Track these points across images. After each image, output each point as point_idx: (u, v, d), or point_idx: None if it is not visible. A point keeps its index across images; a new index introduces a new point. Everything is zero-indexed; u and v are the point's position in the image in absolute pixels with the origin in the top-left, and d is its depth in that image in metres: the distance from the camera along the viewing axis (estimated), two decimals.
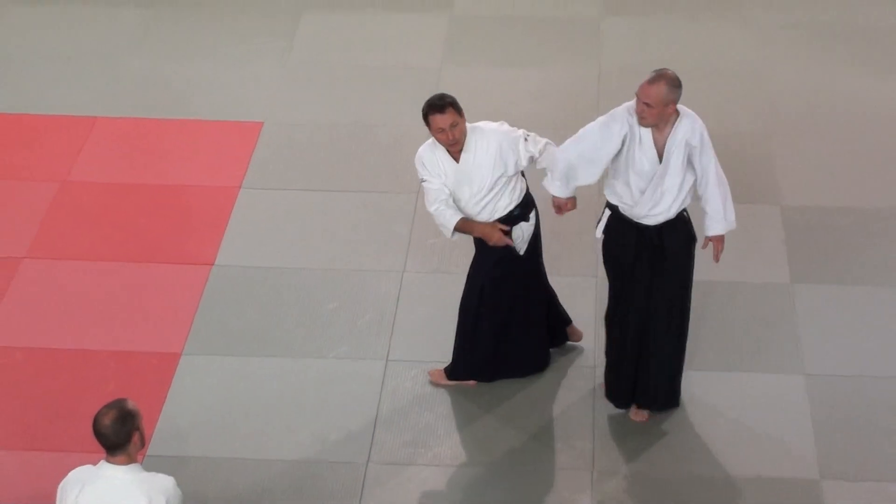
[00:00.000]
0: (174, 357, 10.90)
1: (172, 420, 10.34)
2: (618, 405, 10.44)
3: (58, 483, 8.46)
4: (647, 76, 9.79)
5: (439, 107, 9.81)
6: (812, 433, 10.26)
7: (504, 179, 10.01)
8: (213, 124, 13.53)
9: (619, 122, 9.85)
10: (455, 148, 9.94)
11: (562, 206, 10.24)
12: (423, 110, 9.87)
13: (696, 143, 9.56)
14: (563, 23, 15.17)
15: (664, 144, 9.60)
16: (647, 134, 9.68)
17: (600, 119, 10.02)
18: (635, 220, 9.84)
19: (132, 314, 11.31)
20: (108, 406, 8.28)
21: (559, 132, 13.28)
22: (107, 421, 8.22)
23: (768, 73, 14.28)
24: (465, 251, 11.83)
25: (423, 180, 10.08)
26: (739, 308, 11.27)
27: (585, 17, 15.27)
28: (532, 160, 10.09)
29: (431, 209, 10.05)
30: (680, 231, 9.83)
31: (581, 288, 11.52)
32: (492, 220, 10.07)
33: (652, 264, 9.84)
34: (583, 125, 13.30)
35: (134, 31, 14.97)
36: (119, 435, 8.20)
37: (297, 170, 12.93)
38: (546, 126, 13.39)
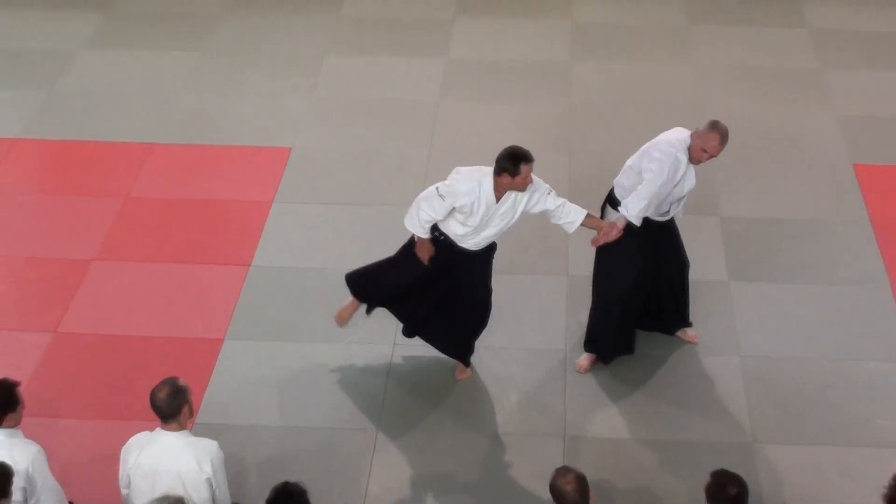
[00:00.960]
0: (218, 342, 10.88)
1: (216, 394, 10.33)
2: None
3: (122, 446, 8.49)
4: (716, 135, 9.78)
5: (530, 159, 9.54)
6: (746, 405, 10.25)
7: (511, 224, 9.84)
8: (249, 149, 13.49)
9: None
10: (505, 192, 9.64)
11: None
12: (509, 157, 9.51)
13: None
14: (540, 66, 15.14)
15: None
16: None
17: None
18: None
19: (182, 306, 11.30)
20: (163, 383, 8.29)
21: (540, 156, 13.27)
22: (161, 395, 8.22)
23: (709, 106, 14.24)
24: None
25: (440, 194, 9.66)
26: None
27: (558, 61, 15.24)
28: (545, 213, 9.89)
29: (423, 212, 9.68)
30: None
31: (552, 285, 11.50)
32: (476, 247, 9.86)
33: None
34: (555, 151, 13.37)
35: (184, 73, 14.94)
36: (171, 407, 8.20)
37: (320, 187, 12.90)
38: (530, 149, 13.38)
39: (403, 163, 13.28)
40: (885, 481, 7.59)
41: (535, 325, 11.10)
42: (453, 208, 9.64)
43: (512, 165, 9.48)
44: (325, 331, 10.99)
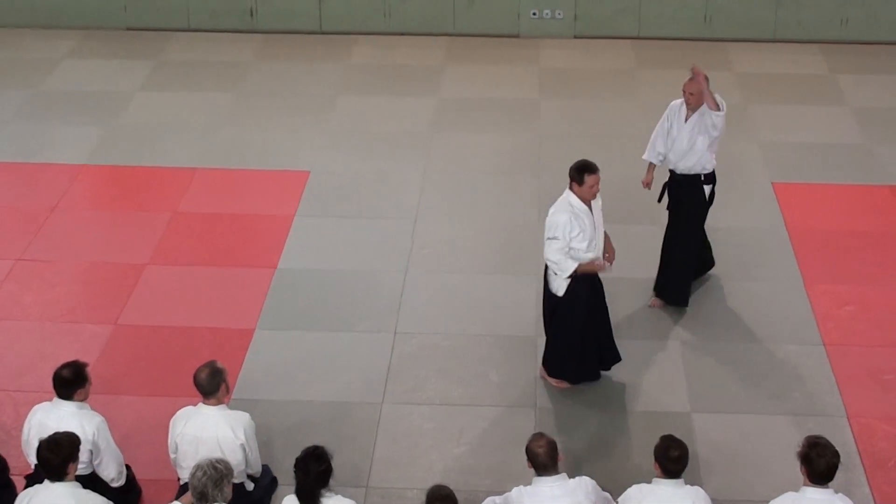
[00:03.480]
0: (249, 332, 10.81)
1: (249, 374, 10.26)
2: None
3: (170, 419, 8.45)
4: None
5: (595, 168, 9.33)
6: (685, 380, 10.20)
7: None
8: (275, 172, 13.43)
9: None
10: (589, 201, 9.43)
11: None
12: (577, 171, 9.33)
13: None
14: (514, 103, 15.09)
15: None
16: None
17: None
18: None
19: (220, 302, 11.23)
20: (204, 365, 8.30)
21: (511, 177, 13.30)
22: (203, 375, 8.22)
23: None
24: (450, 255, 11.79)
25: (550, 237, 9.43)
26: (628, 297, 11.21)
27: (529, 99, 15.21)
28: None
29: (554, 258, 9.45)
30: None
31: (525, 283, 11.45)
32: (597, 257, 9.61)
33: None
34: (527, 174, 13.36)
35: (221, 110, 14.89)
36: (211, 385, 8.20)
37: (334, 203, 12.84)
38: (503, 173, 13.39)
39: (402, 183, 13.23)
40: (799, 442, 7.55)
41: (511, 316, 11.04)
42: (570, 241, 9.40)
43: (577, 175, 9.34)
44: (339, 322, 10.94)
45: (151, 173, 13.43)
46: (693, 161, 10.66)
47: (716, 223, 11.71)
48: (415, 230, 12.32)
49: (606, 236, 9.84)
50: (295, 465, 7.54)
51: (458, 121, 14.70)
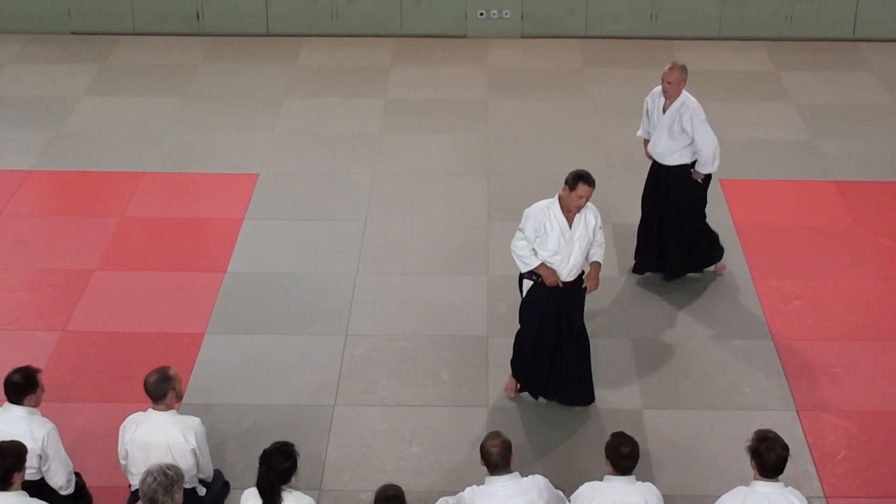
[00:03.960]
0: (199, 336, 10.75)
1: (199, 379, 10.21)
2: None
3: (120, 424, 8.40)
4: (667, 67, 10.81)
5: (591, 181, 9.12)
6: (636, 377, 10.24)
7: (587, 248, 9.42)
8: (223, 176, 13.38)
9: None
10: (573, 214, 9.26)
11: None
12: (573, 177, 9.09)
13: None
14: (462, 104, 15.12)
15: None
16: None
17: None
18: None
19: (169, 307, 11.16)
20: (154, 371, 8.27)
21: (461, 178, 13.31)
22: (152, 380, 8.19)
23: (601, 134, 14.30)
24: (401, 256, 11.79)
25: (519, 228, 9.32)
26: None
27: (477, 99, 15.24)
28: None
29: (518, 251, 9.30)
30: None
31: (476, 283, 11.47)
32: (570, 276, 9.38)
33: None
34: (477, 173, 13.39)
35: (168, 113, 14.82)
36: (159, 390, 8.17)
37: (283, 205, 12.80)
38: (452, 173, 13.40)
39: (352, 184, 13.21)
40: (749, 436, 7.60)
41: (462, 316, 11.04)
42: (534, 241, 9.27)
43: (573, 180, 9.10)
44: (290, 325, 10.91)
45: (98, 178, 13.33)
46: (663, 148, 10.94)
47: None
48: (365, 232, 12.30)
49: (596, 266, 9.53)
50: (260, 458, 7.52)
51: (407, 122, 14.70)
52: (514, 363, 9.97)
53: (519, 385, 10.01)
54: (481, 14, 16.93)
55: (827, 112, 14.95)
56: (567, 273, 9.40)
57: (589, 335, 9.81)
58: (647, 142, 11.28)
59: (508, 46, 16.77)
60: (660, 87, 10.97)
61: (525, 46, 16.79)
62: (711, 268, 11.58)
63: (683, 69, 10.78)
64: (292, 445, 7.57)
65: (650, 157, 11.24)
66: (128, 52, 16.53)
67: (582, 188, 9.10)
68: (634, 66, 16.19)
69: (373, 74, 15.94)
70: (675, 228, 11.19)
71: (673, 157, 10.96)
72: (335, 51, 16.63)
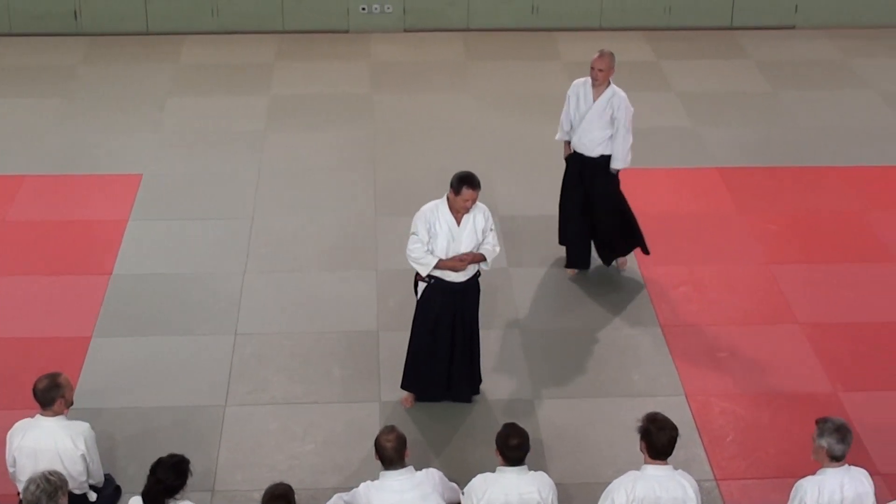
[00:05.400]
0: (86, 340, 10.63)
1: (88, 383, 10.08)
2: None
3: (7, 431, 8.28)
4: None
5: (475, 184, 9.04)
6: (526, 366, 10.33)
7: (476, 248, 9.35)
8: (106, 177, 13.22)
9: None
10: (461, 214, 9.20)
11: None
12: (457, 180, 9.02)
13: None
14: (346, 99, 15.13)
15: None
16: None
17: None
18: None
19: (55, 311, 11.01)
20: (44, 376, 8.19)
21: (346, 173, 13.31)
22: (40, 387, 8.10)
23: (484, 126, 14.38)
24: (289, 253, 11.75)
25: (412, 232, 9.23)
26: None
27: (361, 94, 15.25)
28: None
29: (412, 254, 9.22)
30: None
31: (364, 278, 11.48)
32: (465, 277, 9.37)
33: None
34: (364, 167, 13.38)
35: (49, 115, 14.62)
36: (47, 396, 8.09)
37: (167, 205, 12.70)
38: (338, 169, 13.39)
39: (237, 183, 13.14)
40: (639, 419, 7.71)
41: (351, 311, 11.04)
42: (428, 241, 9.20)
43: (457, 184, 9.03)
44: (178, 326, 10.83)
45: None
46: (591, 139, 10.93)
47: (550, 210, 11.85)
48: (252, 229, 12.24)
49: (478, 255, 9.41)
50: (151, 467, 7.43)
51: (292, 118, 14.65)
52: (409, 376, 9.86)
53: (415, 396, 9.97)
54: (363, 9, 16.93)
55: (707, 100, 15.20)
56: (460, 273, 9.44)
57: (479, 327, 9.86)
58: (567, 143, 11.21)
59: (391, 41, 16.80)
60: (581, 79, 10.96)
61: (408, 40, 16.83)
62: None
63: (612, 56, 10.81)
64: (187, 463, 7.47)
65: (571, 154, 11.18)
66: (4, 53, 16.26)
67: (466, 192, 9.08)
68: (517, 58, 16.31)
69: (256, 71, 15.87)
70: (607, 214, 11.24)
71: (598, 147, 10.96)
72: (217, 48, 16.52)
